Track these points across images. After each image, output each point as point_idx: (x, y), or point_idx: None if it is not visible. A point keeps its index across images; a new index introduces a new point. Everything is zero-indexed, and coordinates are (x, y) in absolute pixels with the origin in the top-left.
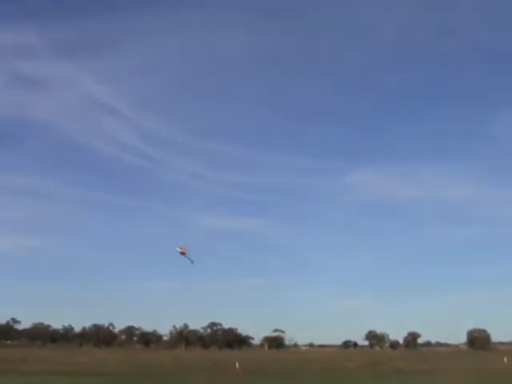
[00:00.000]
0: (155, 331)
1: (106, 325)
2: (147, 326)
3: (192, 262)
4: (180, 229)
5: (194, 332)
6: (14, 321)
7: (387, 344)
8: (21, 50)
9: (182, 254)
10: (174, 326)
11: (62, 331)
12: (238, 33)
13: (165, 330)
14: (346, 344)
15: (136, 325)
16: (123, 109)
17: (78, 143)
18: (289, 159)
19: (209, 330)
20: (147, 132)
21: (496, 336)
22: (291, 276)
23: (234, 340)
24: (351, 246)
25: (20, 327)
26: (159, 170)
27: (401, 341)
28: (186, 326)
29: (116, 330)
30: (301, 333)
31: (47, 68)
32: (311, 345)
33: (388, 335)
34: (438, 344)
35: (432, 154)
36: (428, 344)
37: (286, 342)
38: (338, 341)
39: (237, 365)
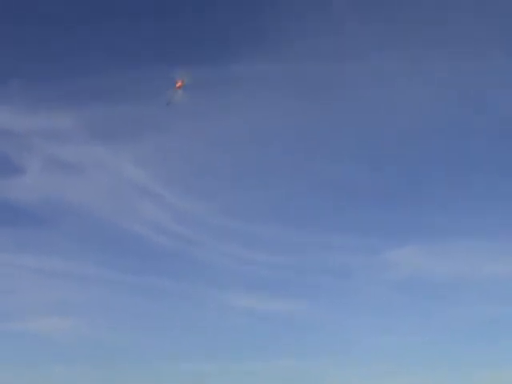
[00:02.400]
0: None
1: None
2: None
3: (169, 103)
4: (215, 310)
5: None
6: None
7: None
8: (57, 133)
9: (178, 87)
10: None
11: None
12: (271, 113)
13: None
14: None
15: None
16: (159, 191)
17: (114, 226)
18: (325, 238)
19: None
20: (183, 213)
21: None
22: (330, 356)
23: None
24: (389, 325)
25: None
26: (195, 251)
27: None
28: None
29: None
30: None
31: (82, 151)
32: None
33: None
34: None
35: (471, 230)
36: None
37: None
38: None
39: None
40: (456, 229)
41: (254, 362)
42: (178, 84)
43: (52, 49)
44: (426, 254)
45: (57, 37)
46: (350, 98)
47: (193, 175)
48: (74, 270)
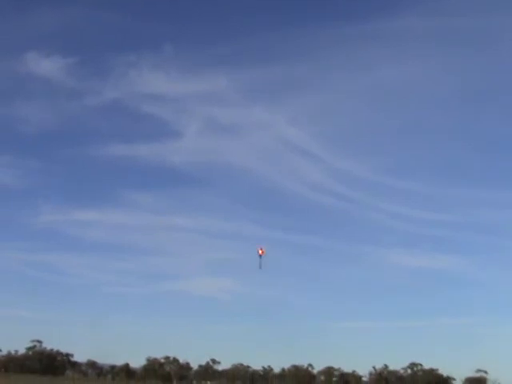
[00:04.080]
0: (354, 372)
1: (305, 365)
2: (346, 367)
3: (260, 267)
4: (376, 268)
5: (394, 373)
6: (214, 361)
7: None
8: (213, 96)
9: (260, 255)
10: (374, 367)
11: (261, 372)
12: (423, 66)
13: (364, 370)
14: None
15: (335, 365)
16: (316, 149)
17: (272, 185)
18: (486, 194)
19: (409, 371)
20: (340, 172)
21: None
22: (493, 314)
23: (435, 381)
24: None
25: (220, 368)
26: (353, 209)
27: None
28: (385, 366)
29: (315, 371)
30: (505, 373)
31: (239, 113)
32: None
33: None
34: None
35: None
36: None
37: (489, 383)
38: None
39: None
40: None
41: (412, 320)
42: (261, 252)
43: (203, 13)
44: None
45: (207, 1)
46: (507, 54)
47: (350, 134)
48: (233, 230)
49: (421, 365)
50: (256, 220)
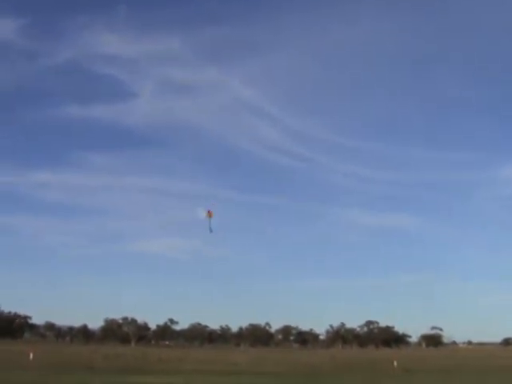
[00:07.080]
0: (312, 330)
1: (263, 324)
2: (304, 325)
3: (211, 231)
4: (332, 227)
5: (351, 331)
6: (172, 321)
7: None
8: (168, 57)
9: (209, 216)
10: (331, 325)
11: (219, 331)
12: (376, 26)
13: (321, 329)
14: (507, 341)
15: (293, 324)
16: (271, 110)
17: (228, 146)
18: (439, 154)
19: (365, 329)
20: (296, 132)
21: None
22: (448, 272)
23: (390, 338)
24: (507, 240)
25: (178, 328)
26: (310, 170)
27: None
28: (342, 324)
29: (273, 330)
30: (459, 330)
31: (194, 73)
32: (470, 342)
33: None
34: None
35: None
36: None
37: (444, 340)
38: (498, 338)
39: (395, 363)
40: None
41: (368, 278)
42: (209, 213)
43: None
44: None
45: None
46: (462, 13)
47: (305, 93)
48: (189, 190)
49: (377, 322)
50: (213, 180)
